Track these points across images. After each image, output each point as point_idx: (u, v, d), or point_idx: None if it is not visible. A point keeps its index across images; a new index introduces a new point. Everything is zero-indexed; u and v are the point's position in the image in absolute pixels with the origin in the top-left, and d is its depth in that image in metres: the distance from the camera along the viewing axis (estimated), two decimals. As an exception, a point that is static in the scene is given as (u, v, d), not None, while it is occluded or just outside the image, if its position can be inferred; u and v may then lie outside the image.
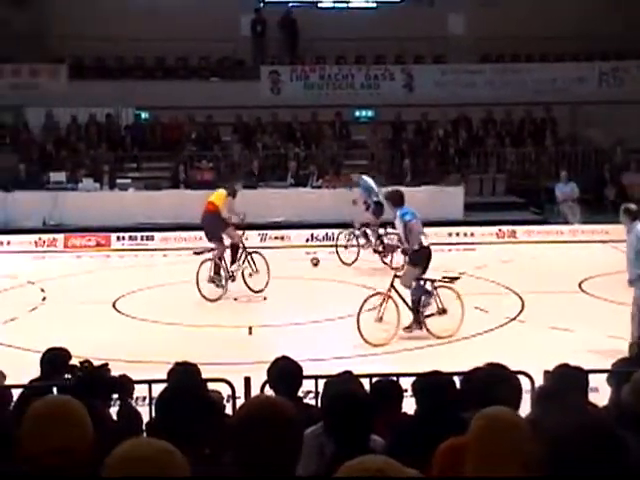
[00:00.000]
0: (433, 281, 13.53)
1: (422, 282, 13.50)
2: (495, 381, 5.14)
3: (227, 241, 16.89)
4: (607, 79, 28.73)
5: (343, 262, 19.26)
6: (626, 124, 26.00)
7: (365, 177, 20.15)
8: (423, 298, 13.47)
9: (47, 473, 3.22)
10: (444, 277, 13.52)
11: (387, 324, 13.22)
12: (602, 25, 26.81)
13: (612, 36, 27.06)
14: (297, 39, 29.45)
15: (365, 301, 13.07)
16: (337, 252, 19.43)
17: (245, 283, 16.67)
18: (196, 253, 17.08)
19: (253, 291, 16.53)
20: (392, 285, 13.27)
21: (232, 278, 16.65)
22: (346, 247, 19.53)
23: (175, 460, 2.84)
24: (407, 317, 13.51)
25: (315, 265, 18.96)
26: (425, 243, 13.57)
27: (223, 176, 23.82)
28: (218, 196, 17.04)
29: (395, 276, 13.55)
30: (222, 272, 16.56)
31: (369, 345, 12.86)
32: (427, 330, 13.40)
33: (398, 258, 16.66)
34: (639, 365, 7.56)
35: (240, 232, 17.21)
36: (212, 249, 16.82)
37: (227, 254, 16.84)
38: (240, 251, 16.93)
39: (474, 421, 3.50)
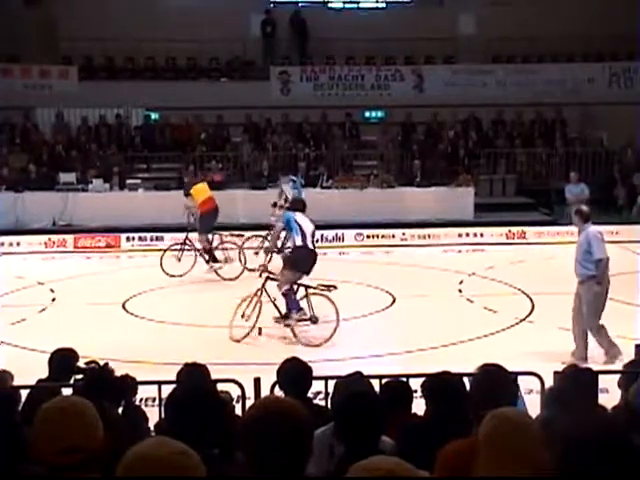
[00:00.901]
0: (307, 287, 13.34)
1: (295, 287, 13.36)
2: (490, 381, 5.14)
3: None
4: (617, 80, 28.68)
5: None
6: (636, 125, 25.92)
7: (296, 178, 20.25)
8: (293, 298, 13.32)
9: (59, 473, 3.23)
10: (320, 285, 13.23)
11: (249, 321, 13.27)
12: (612, 26, 26.71)
13: (623, 37, 26.99)
14: (307, 40, 29.48)
15: (240, 303, 13.21)
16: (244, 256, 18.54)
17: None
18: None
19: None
20: (263, 286, 13.32)
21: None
22: (256, 253, 18.32)
23: (191, 461, 2.84)
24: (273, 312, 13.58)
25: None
26: (298, 243, 13.31)
27: (233, 176, 23.84)
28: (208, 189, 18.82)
29: (268, 278, 13.42)
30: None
31: (232, 341, 13.04)
32: (295, 336, 13.21)
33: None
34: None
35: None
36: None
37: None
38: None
39: (485, 422, 3.50)
